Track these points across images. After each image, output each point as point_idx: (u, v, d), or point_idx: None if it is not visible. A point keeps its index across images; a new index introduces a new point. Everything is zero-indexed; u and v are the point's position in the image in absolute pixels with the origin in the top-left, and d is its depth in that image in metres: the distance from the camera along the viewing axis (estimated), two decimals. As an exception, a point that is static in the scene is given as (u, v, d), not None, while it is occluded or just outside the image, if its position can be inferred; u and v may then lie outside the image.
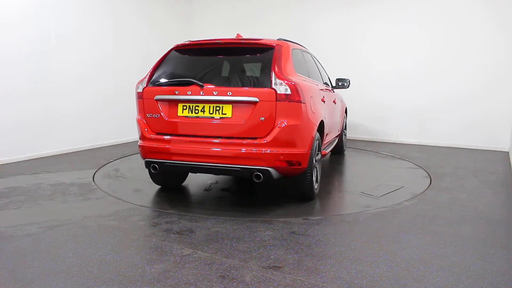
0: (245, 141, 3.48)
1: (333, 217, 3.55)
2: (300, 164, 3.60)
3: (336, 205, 4.11)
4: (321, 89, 4.55)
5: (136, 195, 4.29)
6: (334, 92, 5.70)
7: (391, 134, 7.91)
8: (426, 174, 5.21)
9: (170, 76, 3.88)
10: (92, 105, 6.87)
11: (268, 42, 3.85)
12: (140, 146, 3.89)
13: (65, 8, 6.36)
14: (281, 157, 3.48)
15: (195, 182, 4.77)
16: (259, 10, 8.89)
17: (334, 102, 5.32)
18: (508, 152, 6.74)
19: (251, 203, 3.96)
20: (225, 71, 3.88)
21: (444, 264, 2.64)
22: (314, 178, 3.95)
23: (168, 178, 4.45)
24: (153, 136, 3.78)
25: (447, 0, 7.13)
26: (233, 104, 3.54)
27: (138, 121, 3.93)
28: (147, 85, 3.88)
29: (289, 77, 3.55)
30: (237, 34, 4.35)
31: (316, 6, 8.29)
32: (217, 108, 3.59)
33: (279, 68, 3.55)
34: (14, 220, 3.42)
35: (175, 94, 3.68)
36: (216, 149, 3.53)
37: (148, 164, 3.84)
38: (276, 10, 8.68)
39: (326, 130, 4.51)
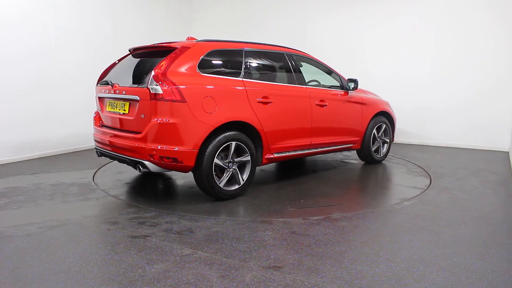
0: (131, 135, 3.83)
1: (333, 217, 3.55)
2: (182, 162, 3.71)
3: (235, 211, 3.76)
4: (273, 90, 4.37)
5: (136, 195, 4.29)
6: (347, 94, 5.35)
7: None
8: (404, 196, 4.48)
9: (106, 76, 4.44)
10: (92, 105, 6.83)
11: (174, 45, 3.98)
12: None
13: (65, 8, 6.36)
14: (154, 152, 3.67)
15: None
16: (259, 10, 8.89)
17: (321, 104, 4.86)
18: (508, 152, 6.74)
19: (251, 203, 3.96)
20: (135, 72, 4.19)
21: (444, 264, 2.64)
22: (219, 179, 3.90)
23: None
24: (97, 128, 4.47)
25: (454, 2, 7.12)
26: (129, 102, 3.91)
27: (94, 116, 4.62)
28: (96, 84, 4.53)
29: (170, 78, 3.65)
30: (187, 37, 4.45)
31: (316, 5, 8.28)
32: (122, 105, 4.01)
33: (162, 69, 3.69)
34: (14, 220, 3.42)
35: (102, 93, 4.32)
36: (117, 141, 4.00)
37: (95, 150, 4.51)
38: (276, 10, 8.67)
39: (272, 134, 4.30)
